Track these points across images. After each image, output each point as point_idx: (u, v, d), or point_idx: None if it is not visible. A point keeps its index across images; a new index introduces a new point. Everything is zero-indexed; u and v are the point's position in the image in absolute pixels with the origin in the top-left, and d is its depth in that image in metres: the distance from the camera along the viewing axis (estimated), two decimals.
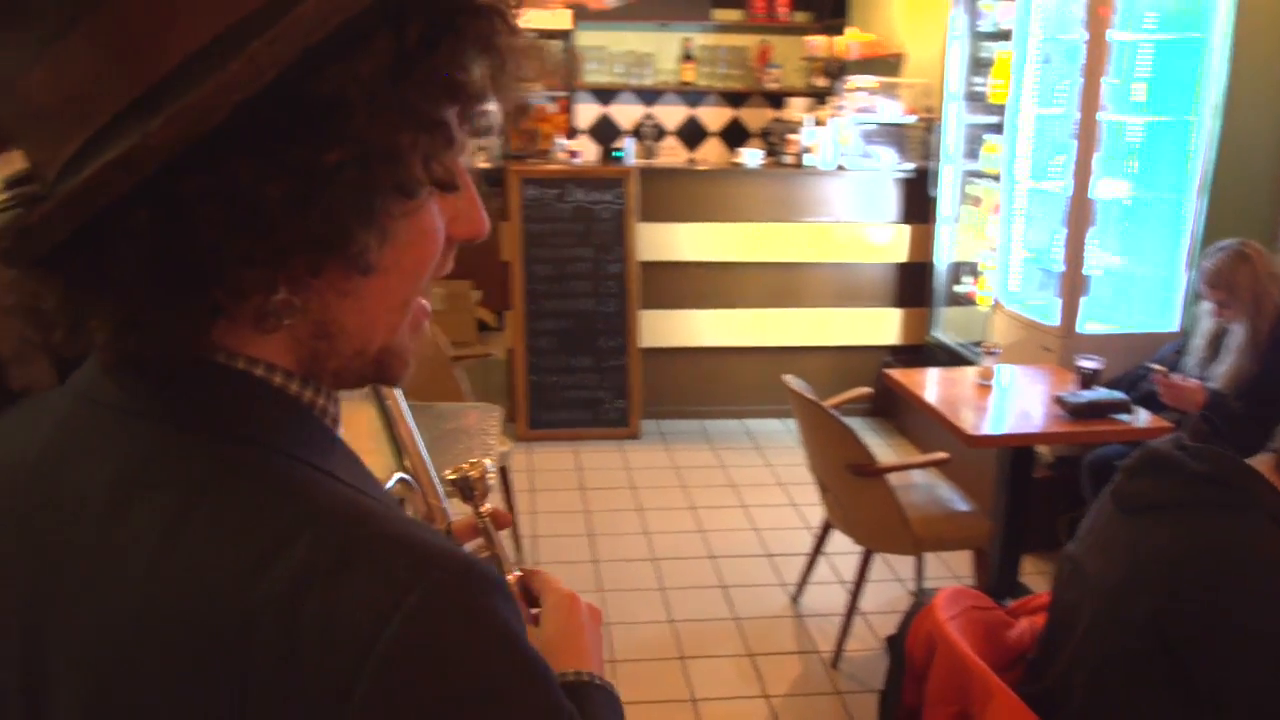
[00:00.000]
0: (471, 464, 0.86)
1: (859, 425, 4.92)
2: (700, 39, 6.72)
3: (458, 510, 0.87)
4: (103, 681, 0.53)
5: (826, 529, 3.27)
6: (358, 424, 0.86)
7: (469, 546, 0.87)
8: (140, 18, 0.50)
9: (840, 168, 4.97)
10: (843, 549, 3.34)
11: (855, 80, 5.20)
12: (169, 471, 0.54)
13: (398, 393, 0.85)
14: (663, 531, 3.91)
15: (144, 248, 0.50)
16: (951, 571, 3.58)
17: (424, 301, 0.64)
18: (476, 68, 0.57)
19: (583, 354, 4.82)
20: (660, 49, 6.76)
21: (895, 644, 1.95)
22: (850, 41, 5.68)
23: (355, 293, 0.57)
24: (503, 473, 3.52)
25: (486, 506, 0.86)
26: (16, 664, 0.56)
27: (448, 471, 0.85)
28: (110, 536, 0.54)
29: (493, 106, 0.60)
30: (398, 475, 0.87)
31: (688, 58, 6.70)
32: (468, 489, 0.85)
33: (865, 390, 3.45)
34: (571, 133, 6.24)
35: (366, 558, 0.50)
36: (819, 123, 5.19)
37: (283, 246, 0.52)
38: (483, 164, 6.39)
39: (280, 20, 0.49)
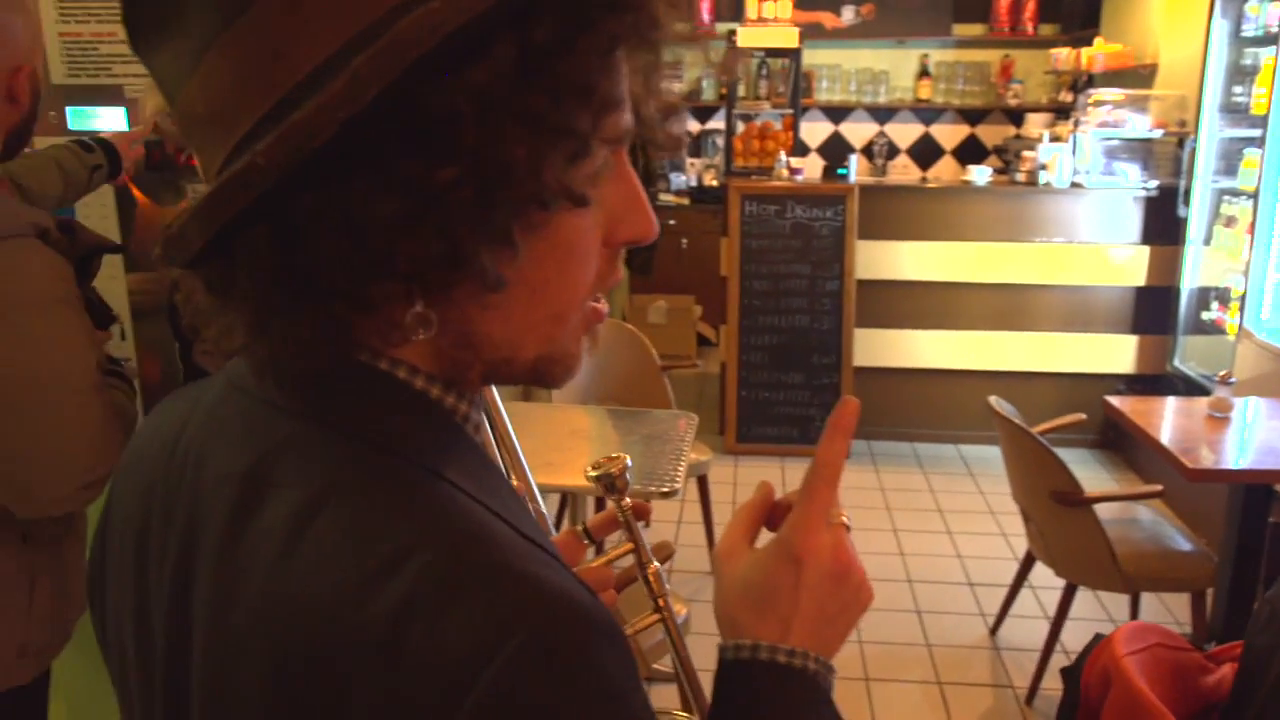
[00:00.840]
0: (612, 459, 0.92)
1: (1084, 456, 4.69)
2: (938, 55, 6.58)
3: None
4: (217, 670, 0.53)
5: (1030, 560, 3.15)
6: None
7: (612, 538, 0.95)
8: (272, 31, 0.49)
9: (1075, 185, 4.74)
10: (1051, 583, 3.19)
11: (1099, 93, 4.94)
12: (300, 471, 0.53)
13: (501, 407, 0.92)
14: (861, 552, 3.83)
15: (264, 261, 0.50)
16: (1172, 615, 3.35)
17: (599, 305, 0.61)
18: (616, 69, 0.53)
19: (795, 370, 4.84)
20: (895, 66, 6.67)
21: (1071, 676, 1.88)
22: (1096, 53, 5.39)
23: (496, 305, 0.54)
24: (701, 482, 3.61)
25: (627, 500, 0.94)
26: (162, 620, 0.59)
27: (589, 468, 0.89)
28: (240, 530, 0.53)
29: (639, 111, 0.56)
30: None
31: (924, 74, 6.57)
32: (610, 483, 0.89)
33: (1078, 416, 3.29)
34: (801, 150, 6.29)
35: (475, 589, 0.47)
36: (1056, 139, 4.97)
37: (401, 264, 0.50)
38: (709, 181, 6.56)
39: (387, 33, 0.46)
